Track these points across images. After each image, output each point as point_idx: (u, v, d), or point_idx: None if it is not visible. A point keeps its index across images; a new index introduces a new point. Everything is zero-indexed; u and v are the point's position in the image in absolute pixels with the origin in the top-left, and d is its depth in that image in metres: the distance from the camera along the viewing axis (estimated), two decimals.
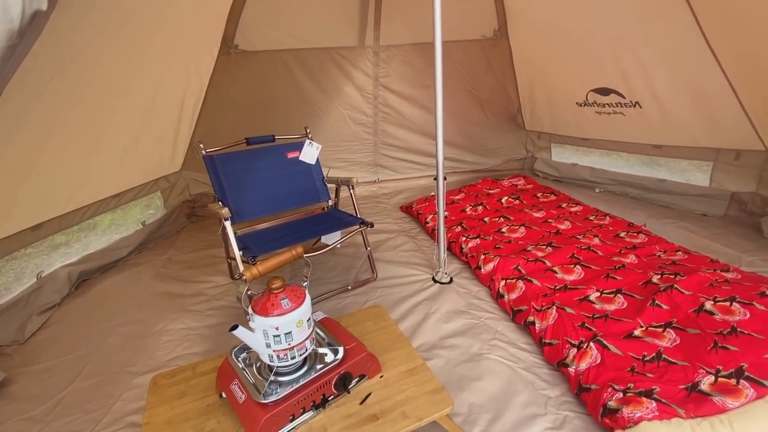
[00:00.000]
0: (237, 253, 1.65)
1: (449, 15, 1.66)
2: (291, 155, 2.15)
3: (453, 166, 3.49)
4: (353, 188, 2.01)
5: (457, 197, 2.84)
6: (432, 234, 2.45)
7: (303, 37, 2.68)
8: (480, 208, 2.63)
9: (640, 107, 2.54)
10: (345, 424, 0.95)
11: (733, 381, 1.11)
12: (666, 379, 1.15)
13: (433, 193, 3.09)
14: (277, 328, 0.89)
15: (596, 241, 2.04)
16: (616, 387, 1.14)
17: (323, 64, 2.81)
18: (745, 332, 1.26)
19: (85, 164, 2.09)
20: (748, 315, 1.33)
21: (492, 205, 2.67)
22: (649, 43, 2.26)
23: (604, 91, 2.64)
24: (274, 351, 0.91)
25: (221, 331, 1.69)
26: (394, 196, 3.32)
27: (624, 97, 2.57)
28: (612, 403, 1.09)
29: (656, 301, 1.45)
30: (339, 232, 1.92)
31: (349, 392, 1.00)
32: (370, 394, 1.02)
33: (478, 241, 2.13)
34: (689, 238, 2.24)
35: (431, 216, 2.55)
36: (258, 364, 1.01)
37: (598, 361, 1.24)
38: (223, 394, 1.00)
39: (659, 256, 1.89)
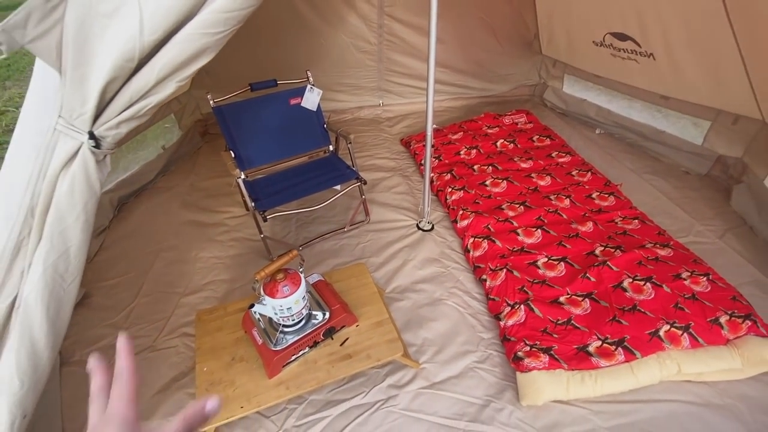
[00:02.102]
0: (250, 205, 1.97)
1: None
2: (293, 101, 2.26)
3: (459, 92, 3.47)
4: (350, 143, 2.18)
5: (455, 137, 2.95)
6: None
7: None
8: (474, 152, 2.78)
9: (654, 59, 2.43)
10: (329, 359, 1.41)
11: (612, 347, 1.52)
12: (566, 340, 1.57)
13: (435, 125, 3.19)
14: (280, 306, 1.28)
15: (566, 202, 2.28)
16: (527, 342, 1.57)
17: None
18: (642, 310, 1.62)
19: None
20: (653, 295, 1.67)
21: (486, 148, 2.81)
22: (671, 1, 2.08)
23: (622, 37, 2.48)
24: (280, 317, 1.32)
25: (241, 262, 2.13)
26: (398, 123, 3.41)
27: (640, 46, 2.44)
28: (520, 353, 1.54)
29: (587, 274, 1.79)
30: (339, 186, 2.18)
31: (333, 339, 1.45)
32: (347, 338, 1.47)
33: (461, 194, 2.38)
34: (659, 200, 2.45)
35: None
36: (269, 319, 1.44)
37: (522, 321, 1.65)
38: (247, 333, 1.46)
39: (616, 222, 2.15)
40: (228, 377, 1.37)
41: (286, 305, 1.28)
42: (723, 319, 1.57)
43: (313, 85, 2.25)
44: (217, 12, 0.99)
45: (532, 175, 2.50)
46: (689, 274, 1.75)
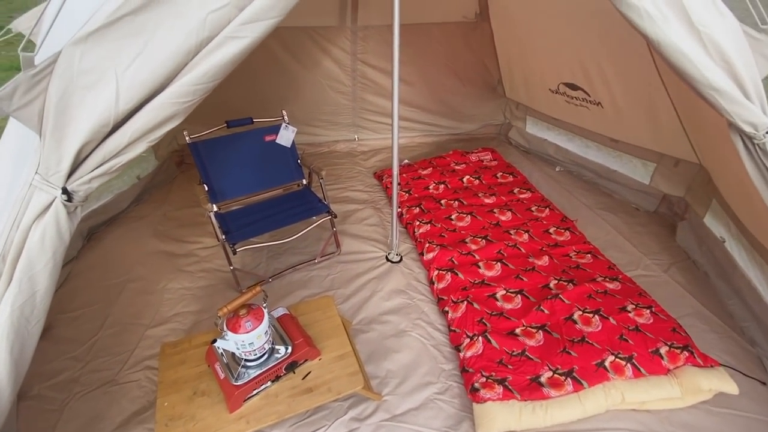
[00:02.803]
0: (221, 237, 2.02)
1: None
2: (268, 138, 2.36)
3: (429, 130, 3.67)
4: (322, 179, 2.28)
5: (425, 172, 3.11)
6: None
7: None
8: (442, 187, 2.94)
9: (602, 107, 2.69)
10: (290, 393, 1.45)
11: (562, 378, 1.61)
12: (519, 371, 1.65)
13: (406, 161, 3.36)
14: (242, 341, 1.32)
15: (525, 237, 2.43)
16: (484, 373, 1.64)
17: (301, 41, 2.80)
18: (590, 342, 1.74)
19: None
20: (600, 327, 1.80)
21: (453, 184, 2.97)
22: (610, 56, 2.36)
23: (573, 86, 2.74)
24: (242, 351, 1.36)
25: (210, 293, 2.15)
26: (372, 156, 3.56)
27: (589, 95, 2.70)
28: (477, 385, 1.61)
29: (541, 307, 1.91)
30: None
31: (294, 372, 1.48)
32: (309, 372, 1.51)
33: (428, 227, 2.50)
34: (610, 234, 2.63)
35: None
36: (232, 353, 1.47)
37: (480, 352, 1.74)
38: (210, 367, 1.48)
39: (570, 257, 2.31)
40: (189, 412, 1.38)
41: (248, 340, 1.32)
42: (663, 350, 1.69)
43: (288, 123, 2.37)
44: (187, 85, 1.10)
45: (495, 210, 2.65)
46: (634, 306, 1.89)
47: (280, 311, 1.64)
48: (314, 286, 2.21)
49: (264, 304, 1.42)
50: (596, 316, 1.84)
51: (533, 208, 2.71)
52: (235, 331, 1.31)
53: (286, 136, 2.39)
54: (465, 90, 3.38)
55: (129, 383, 1.70)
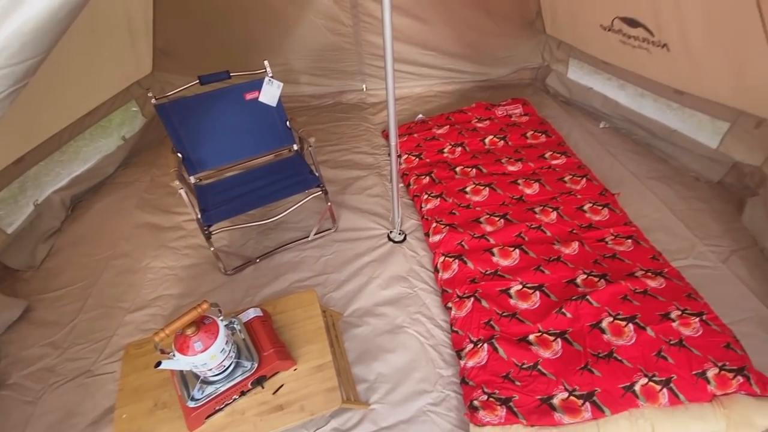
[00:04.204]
0: (196, 217, 1.79)
1: None
2: (249, 96, 2.01)
3: (451, 77, 3.15)
4: (311, 147, 1.95)
5: (440, 131, 2.67)
6: (404, 177, 2.45)
7: None
8: (459, 150, 2.52)
9: (668, 50, 2.09)
10: (259, 410, 1.28)
11: (580, 402, 1.36)
12: (528, 389, 1.41)
13: (420, 116, 2.92)
14: (193, 363, 1.13)
15: (552, 216, 2.04)
16: (486, 390, 1.41)
17: None
18: (619, 358, 1.44)
19: (45, 90, 2.04)
20: (634, 340, 1.48)
21: (473, 146, 2.54)
22: None
23: (632, 23, 2.13)
24: (197, 371, 1.18)
25: (193, 274, 1.99)
26: (382, 109, 3.13)
27: (652, 35, 2.09)
28: (476, 403, 1.39)
29: (563, 309, 1.60)
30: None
31: (263, 387, 1.31)
32: (282, 385, 1.33)
33: (437, 202, 2.16)
34: (660, 212, 2.19)
35: (405, 157, 2.49)
36: None
37: (483, 363, 1.49)
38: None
39: (606, 242, 1.93)
40: (147, 426, 1.26)
41: (199, 362, 1.13)
42: (711, 373, 1.38)
43: (272, 77, 1.99)
44: None
45: (519, 181, 2.25)
46: (680, 313, 1.55)
47: (250, 314, 1.43)
48: (305, 269, 1.99)
49: (220, 317, 1.20)
50: (630, 324, 1.52)
51: (566, 178, 2.28)
52: (183, 352, 1.12)
53: (270, 93, 2.03)
54: (495, 26, 2.78)
55: (104, 375, 1.62)
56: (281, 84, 2.01)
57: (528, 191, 2.20)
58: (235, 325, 1.32)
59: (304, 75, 2.91)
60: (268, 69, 1.98)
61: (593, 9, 2.30)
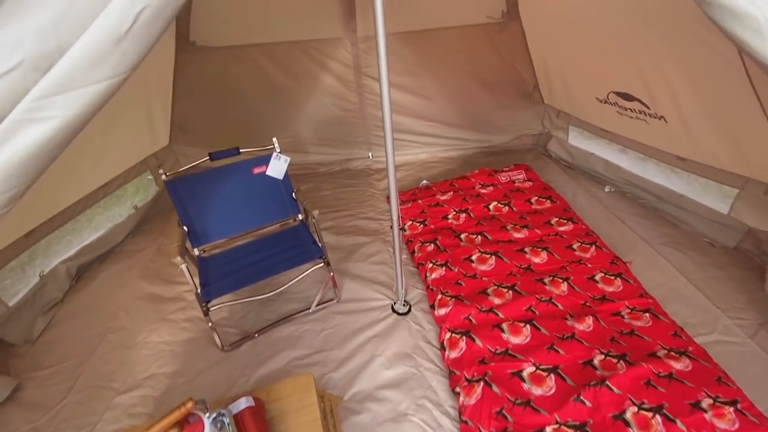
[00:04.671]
0: (196, 291, 1.76)
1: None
2: (257, 170, 2.08)
3: (454, 144, 3.24)
4: (314, 218, 1.96)
5: (444, 197, 2.70)
6: (408, 245, 2.43)
7: (265, 31, 2.33)
8: (463, 216, 2.52)
9: (665, 121, 2.14)
10: None
11: None
12: None
13: (424, 182, 2.97)
14: None
15: (563, 287, 1.97)
16: None
17: (294, 57, 2.49)
18: None
19: (61, 164, 2.14)
20: None
21: (477, 212, 2.54)
22: (678, 62, 1.81)
23: (627, 97, 2.21)
24: None
25: (190, 350, 1.92)
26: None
27: (648, 108, 2.16)
28: None
29: (581, 396, 1.47)
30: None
31: None
32: None
33: (443, 271, 2.11)
34: (676, 279, 2.10)
35: (409, 224, 2.49)
36: None
37: None
38: None
39: (623, 317, 1.83)
40: None
41: None
42: None
43: (279, 152, 2.07)
44: None
45: (526, 249, 2.20)
46: (711, 402, 1.41)
47: (241, 404, 1.34)
48: (305, 345, 1.90)
49: (206, 414, 1.12)
50: (657, 416, 1.38)
51: (575, 246, 2.23)
52: None
53: (277, 167, 2.09)
54: (494, 99, 2.92)
55: None
56: (288, 159, 2.08)
57: (536, 260, 2.14)
58: (224, 419, 1.23)
59: (312, 145, 3.04)
60: (276, 145, 2.07)
61: (587, 84, 2.41)
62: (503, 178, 2.83)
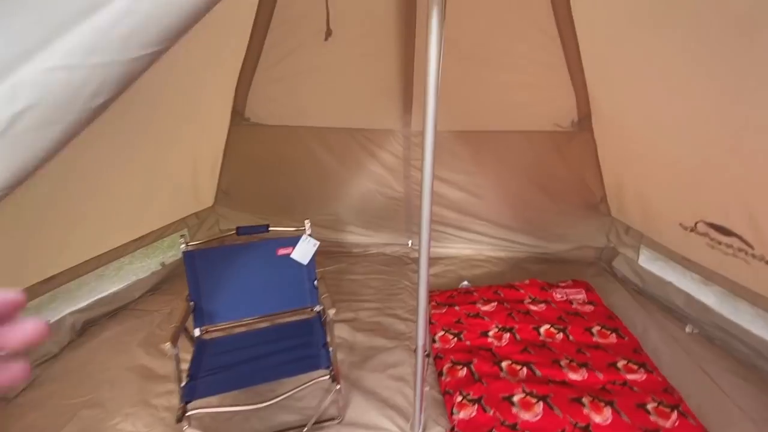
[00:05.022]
0: (179, 386, 1.52)
1: (509, 103, 1.19)
2: (282, 252, 1.92)
3: (504, 245, 2.94)
4: (328, 321, 1.70)
5: (486, 308, 2.34)
6: (437, 361, 2.06)
7: (319, 117, 2.37)
8: (507, 336, 2.13)
9: None
10: None
11: None
12: None
13: (465, 282, 2.66)
14: None
15: None
16: None
17: (345, 142, 2.49)
18: None
19: (99, 213, 2.14)
20: None
21: (524, 334, 2.15)
22: None
23: (723, 230, 1.84)
24: None
25: None
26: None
27: (751, 247, 1.76)
28: None
29: None
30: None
31: None
32: None
33: (474, 411, 1.70)
34: None
35: (441, 334, 2.15)
36: None
37: None
38: None
39: None
40: None
41: None
42: None
43: (309, 234, 1.91)
44: None
45: (585, 401, 1.74)
46: None
47: None
48: None
49: None
50: None
51: (650, 407, 1.73)
52: None
53: (304, 251, 1.92)
54: (555, 206, 2.65)
55: None
56: (317, 243, 1.92)
57: (597, 419, 1.67)
58: None
59: (350, 225, 2.90)
60: (308, 227, 1.92)
61: (669, 206, 2.08)
62: (558, 296, 2.44)
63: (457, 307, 2.34)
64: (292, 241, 1.92)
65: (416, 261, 3.04)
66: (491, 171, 2.48)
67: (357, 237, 3.01)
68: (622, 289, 2.72)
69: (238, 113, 2.51)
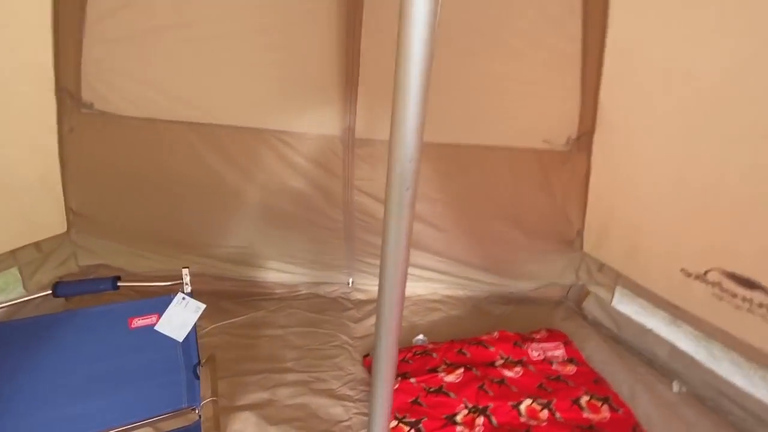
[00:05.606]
0: None
1: (491, 107, 1.11)
2: (140, 322, 1.18)
3: (462, 283, 2.44)
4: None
5: (450, 378, 1.76)
6: None
7: (205, 106, 1.68)
8: (481, 421, 1.57)
9: None
10: None
11: None
12: None
13: (420, 336, 2.08)
14: None
15: None
16: None
17: (251, 148, 1.80)
18: None
19: None
20: None
21: (502, 417, 1.60)
22: None
23: (747, 283, 1.49)
24: None
25: None
26: (371, 315, 2.30)
27: None
28: None
29: None
30: None
31: None
32: None
33: None
34: None
35: (393, 425, 1.53)
36: None
37: None
38: None
39: None
40: None
41: None
42: None
43: (189, 293, 1.20)
44: None
45: None
46: None
47: None
48: None
49: None
50: None
51: None
52: None
53: (177, 319, 1.20)
54: (528, 244, 2.20)
55: None
56: (201, 307, 1.21)
57: None
58: None
59: (271, 261, 2.19)
60: (187, 279, 1.21)
61: (672, 246, 1.71)
62: (535, 354, 1.96)
63: (412, 380, 1.74)
64: (159, 304, 1.19)
65: (359, 306, 2.42)
66: (458, 199, 1.95)
67: (281, 275, 2.29)
68: (597, 336, 2.34)
69: (69, 95, 1.65)
